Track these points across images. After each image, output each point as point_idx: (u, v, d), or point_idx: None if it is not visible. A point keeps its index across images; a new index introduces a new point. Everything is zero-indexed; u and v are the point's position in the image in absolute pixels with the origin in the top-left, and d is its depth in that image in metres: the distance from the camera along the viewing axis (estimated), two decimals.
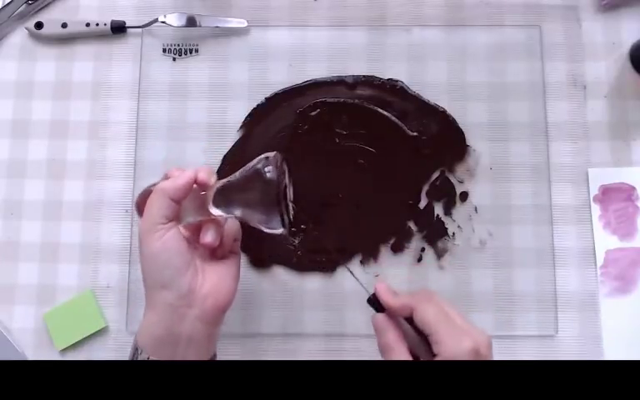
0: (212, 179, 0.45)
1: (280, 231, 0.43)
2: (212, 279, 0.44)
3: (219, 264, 0.45)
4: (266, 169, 0.43)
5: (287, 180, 0.45)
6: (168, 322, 0.42)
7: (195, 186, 0.44)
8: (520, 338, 0.55)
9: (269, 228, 0.44)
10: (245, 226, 0.46)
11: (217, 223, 0.45)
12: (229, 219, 0.46)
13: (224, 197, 0.44)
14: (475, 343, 0.38)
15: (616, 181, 0.57)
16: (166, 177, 0.45)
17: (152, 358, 0.42)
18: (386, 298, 0.42)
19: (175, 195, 0.43)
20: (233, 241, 0.47)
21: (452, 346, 0.38)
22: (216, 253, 0.46)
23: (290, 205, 0.45)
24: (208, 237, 0.44)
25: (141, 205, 0.45)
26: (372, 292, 0.44)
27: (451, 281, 0.56)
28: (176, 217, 0.43)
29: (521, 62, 0.60)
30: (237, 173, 0.45)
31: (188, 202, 0.44)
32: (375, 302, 0.43)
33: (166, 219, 0.42)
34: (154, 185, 0.45)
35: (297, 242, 0.57)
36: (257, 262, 0.57)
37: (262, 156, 0.44)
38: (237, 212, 0.44)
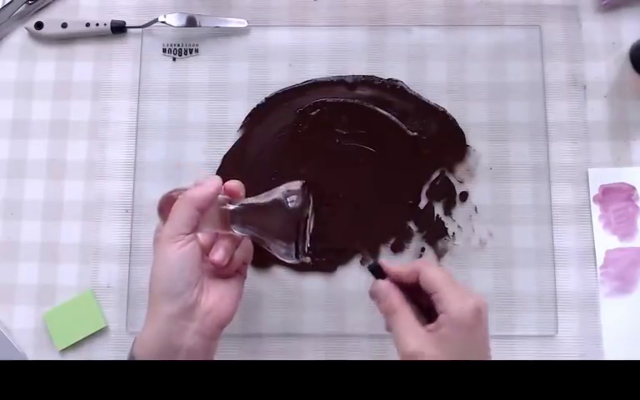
0: (242, 192, 0.45)
1: (292, 261, 0.44)
2: (215, 296, 0.44)
3: (223, 282, 0.45)
4: (289, 200, 0.43)
5: (310, 210, 0.46)
6: (167, 334, 0.42)
7: (219, 196, 0.44)
8: (520, 338, 0.55)
9: (283, 256, 0.44)
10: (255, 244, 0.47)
11: (231, 241, 0.45)
12: (244, 239, 0.46)
13: (244, 217, 0.44)
14: (477, 303, 0.40)
15: (616, 181, 0.57)
16: (195, 185, 0.45)
17: None
18: (392, 267, 0.43)
19: (201, 205, 0.43)
20: (242, 263, 0.47)
21: (457, 303, 0.39)
22: (222, 272, 0.46)
23: (308, 235, 0.46)
24: (218, 255, 0.44)
25: (165, 209, 0.45)
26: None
27: None
28: (197, 228, 0.43)
29: (521, 62, 0.60)
30: (262, 196, 0.45)
31: (211, 213, 0.44)
32: (377, 270, 0.44)
33: (189, 229, 0.42)
34: (176, 190, 0.45)
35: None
36: (257, 262, 0.57)
37: (288, 185, 0.44)
38: (254, 234, 0.44)
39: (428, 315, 0.41)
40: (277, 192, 0.44)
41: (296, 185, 0.44)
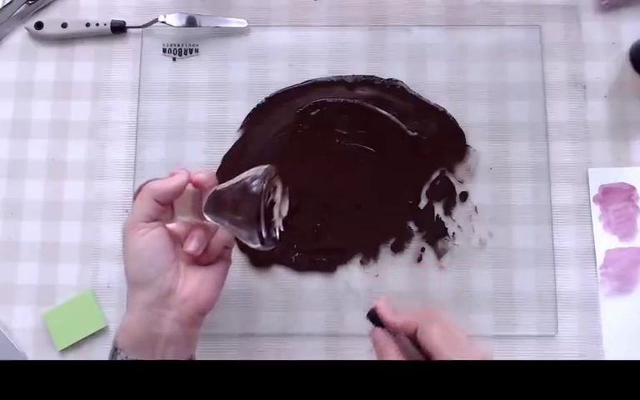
0: (210, 182, 0.44)
1: (257, 246, 0.42)
2: (193, 283, 0.43)
3: (203, 269, 0.45)
4: (253, 183, 0.42)
5: (278, 195, 0.44)
6: (146, 322, 0.42)
7: (194, 187, 0.44)
8: (520, 338, 0.55)
9: (247, 241, 0.43)
10: None
11: (205, 229, 0.45)
12: (220, 227, 0.45)
13: (215, 205, 0.43)
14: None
15: (616, 181, 0.57)
16: (169, 176, 0.45)
17: (130, 358, 0.42)
18: (387, 316, 0.42)
19: (160, 197, 0.42)
20: (224, 248, 0.46)
21: None
22: (200, 260, 0.45)
23: (278, 221, 0.44)
24: (191, 245, 0.44)
25: (137, 196, 0.44)
26: (371, 307, 0.43)
27: (451, 281, 0.56)
28: (163, 217, 0.43)
29: (521, 62, 0.60)
30: (232, 181, 0.44)
31: (184, 202, 0.44)
32: (375, 317, 0.43)
33: (149, 218, 0.42)
34: (155, 180, 0.44)
35: (295, 249, 0.57)
36: (257, 262, 0.57)
37: (256, 168, 0.43)
38: (225, 221, 0.43)
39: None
40: (245, 176, 0.43)
41: (260, 168, 0.43)
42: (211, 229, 0.45)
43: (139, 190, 0.44)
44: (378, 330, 0.42)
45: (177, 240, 0.45)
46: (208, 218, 0.44)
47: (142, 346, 0.42)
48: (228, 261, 0.47)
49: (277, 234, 0.44)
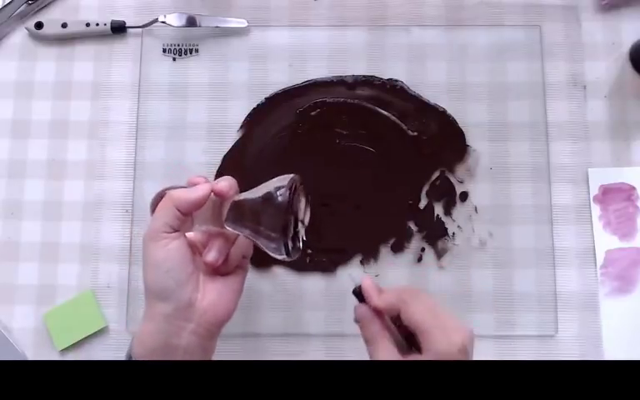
0: (232, 191, 0.43)
1: (283, 257, 0.42)
2: (212, 294, 0.43)
3: (221, 280, 0.44)
4: (278, 193, 0.41)
5: (302, 205, 0.44)
6: (165, 334, 0.41)
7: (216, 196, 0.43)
8: (520, 338, 0.55)
9: (273, 252, 0.42)
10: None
11: (225, 238, 0.44)
12: (241, 236, 0.44)
13: (236, 213, 0.43)
14: (463, 339, 0.39)
15: (616, 181, 0.57)
16: (188, 184, 0.45)
17: None
18: (371, 297, 0.42)
19: (183, 208, 0.42)
20: (242, 257, 0.46)
21: (443, 343, 0.38)
22: (219, 269, 0.44)
23: (301, 231, 0.44)
24: (211, 255, 0.43)
25: (155, 205, 0.44)
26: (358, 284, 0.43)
27: (451, 281, 0.56)
28: (183, 228, 0.43)
29: (521, 62, 0.60)
30: (255, 190, 0.43)
31: (204, 211, 0.43)
32: (359, 294, 0.43)
33: (170, 229, 0.42)
34: (172, 187, 0.44)
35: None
36: (257, 262, 0.57)
37: (280, 178, 0.42)
38: (247, 231, 0.42)
39: (411, 340, 0.41)
40: (269, 186, 0.42)
41: (284, 178, 0.42)
42: (230, 238, 0.44)
43: (159, 197, 0.44)
44: (362, 306, 0.42)
45: (195, 250, 0.44)
46: (229, 228, 0.43)
47: (158, 357, 0.41)
48: (246, 270, 0.47)
49: (301, 244, 0.44)
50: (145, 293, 0.43)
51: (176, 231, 0.42)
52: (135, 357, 0.42)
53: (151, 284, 0.42)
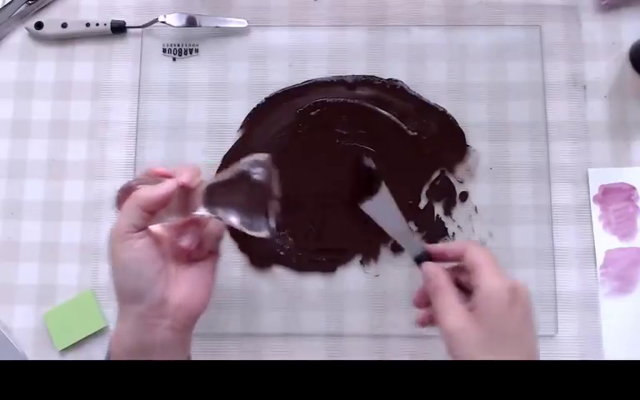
0: (196, 180, 0.43)
1: (264, 234, 0.42)
2: (186, 286, 0.42)
3: (194, 268, 0.43)
4: (254, 171, 0.41)
5: (276, 182, 0.44)
6: (140, 332, 0.41)
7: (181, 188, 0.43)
8: None
9: (253, 231, 0.42)
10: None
11: (197, 224, 0.44)
12: (212, 219, 0.44)
13: (213, 198, 0.42)
14: (513, 283, 0.40)
15: (616, 181, 0.57)
16: (146, 175, 0.44)
17: None
18: (443, 249, 0.45)
19: (148, 207, 0.41)
20: (215, 240, 0.45)
21: (493, 279, 0.40)
22: (193, 255, 0.44)
23: (277, 207, 0.44)
24: (186, 240, 0.42)
25: (121, 200, 0.43)
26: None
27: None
28: (148, 225, 0.42)
29: (521, 62, 0.60)
30: (225, 173, 0.43)
31: (170, 204, 0.42)
32: (424, 257, 0.45)
33: (135, 229, 0.40)
34: (137, 180, 0.43)
35: (287, 246, 0.56)
36: (257, 262, 0.57)
37: (252, 157, 0.43)
38: (221, 213, 0.42)
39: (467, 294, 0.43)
40: (243, 164, 0.42)
41: (262, 156, 0.42)
42: (202, 222, 0.44)
43: (123, 193, 0.43)
44: (431, 263, 0.44)
45: (163, 242, 0.43)
46: (205, 212, 0.43)
47: (135, 355, 0.41)
48: (218, 254, 0.46)
49: (274, 224, 0.43)
50: (116, 294, 0.42)
51: (141, 230, 0.41)
52: (113, 357, 0.42)
53: (121, 286, 0.41)
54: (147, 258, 0.41)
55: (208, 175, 0.57)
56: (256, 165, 0.42)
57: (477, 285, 0.40)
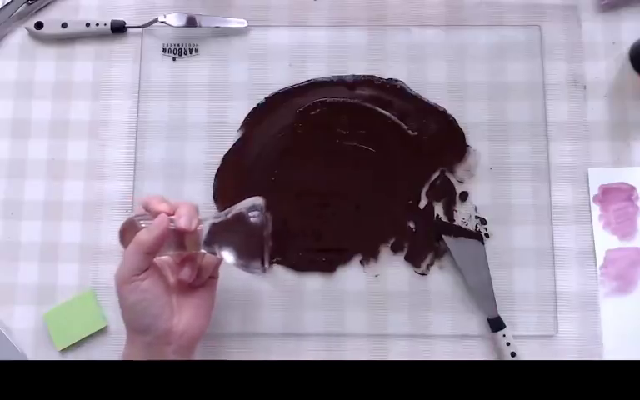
0: (194, 223, 0.44)
1: (259, 274, 0.46)
2: (189, 313, 0.46)
3: (195, 294, 0.47)
4: (250, 214, 0.44)
5: (270, 224, 0.47)
6: (147, 356, 0.44)
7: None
8: (520, 338, 0.55)
9: (248, 271, 0.45)
10: None
11: (195, 257, 0.46)
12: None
13: (211, 238, 0.45)
14: None
15: (616, 181, 0.57)
16: (142, 207, 0.46)
17: None
18: None
19: (151, 250, 0.43)
20: (214, 267, 0.48)
21: None
22: (193, 283, 0.47)
23: (267, 251, 0.46)
24: (185, 273, 0.45)
25: (125, 235, 0.45)
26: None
27: (451, 280, 0.56)
28: (150, 263, 0.44)
29: (521, 62, 0.60)
30: (223, 213, 0.46)
31: (168, 241, 0.45)
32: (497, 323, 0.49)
33: (139, 271, 0.43)
34: (139, 217, 0.45)
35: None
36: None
37: (248, 201, 0.45)
38: (218, 251, 0.45)
39: None
40: (239, 207, 0.45)
41: (257, 200, 0.45)
42: (200, 254, 0.47)
43: (131, 226, 0.45)
44: None
45: (167, 272, 0.47)
46: (204, 251, 0.45)
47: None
48: (216, 277, 0.49)
49: (268, 264, 0.47)
50: (125, 325, 0.45)
51: (145, 270, 0.44)
52: None
53: (129, 322, 0.45)
54: (153, 297, 0.44)
55: (208, 176, 0.58)
56: (252, 208, 0.45)
57: None
